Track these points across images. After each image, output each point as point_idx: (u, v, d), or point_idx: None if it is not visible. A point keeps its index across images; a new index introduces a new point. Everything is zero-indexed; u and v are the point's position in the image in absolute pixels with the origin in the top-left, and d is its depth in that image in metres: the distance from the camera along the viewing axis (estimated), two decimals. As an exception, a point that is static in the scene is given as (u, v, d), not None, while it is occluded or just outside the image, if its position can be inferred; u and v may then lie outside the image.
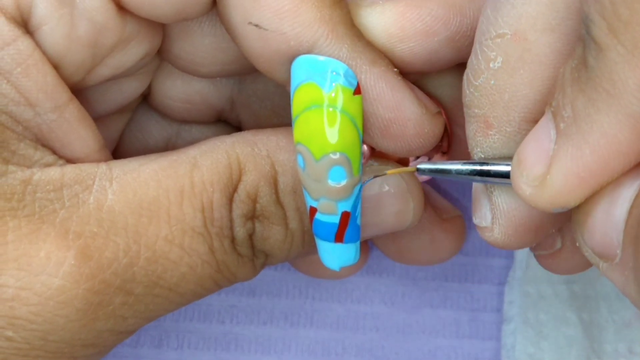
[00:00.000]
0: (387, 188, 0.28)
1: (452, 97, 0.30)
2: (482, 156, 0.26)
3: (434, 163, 0.27)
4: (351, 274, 0.35)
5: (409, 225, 0.29)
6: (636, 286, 0.22)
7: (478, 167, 0.25)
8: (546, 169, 0.22)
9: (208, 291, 0.28)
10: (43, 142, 0.27)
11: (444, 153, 0.30)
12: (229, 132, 0.29)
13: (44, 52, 0.26)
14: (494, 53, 0.24)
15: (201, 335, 0.36)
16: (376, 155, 0.28)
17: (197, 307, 0.36)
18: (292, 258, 0.29)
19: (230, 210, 0.27)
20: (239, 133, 0.28)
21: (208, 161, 0.27)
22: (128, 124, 0.33)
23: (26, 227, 0.25)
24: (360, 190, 0.27)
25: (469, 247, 0.36)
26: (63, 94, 0.27)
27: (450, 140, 0.30)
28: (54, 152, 0.27)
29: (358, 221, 0.27)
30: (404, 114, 0.27)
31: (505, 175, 0.25)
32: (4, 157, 0.26)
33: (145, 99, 0.33)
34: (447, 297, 0.36)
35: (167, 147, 0.33)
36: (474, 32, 0.26)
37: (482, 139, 0.26)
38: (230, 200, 0.27)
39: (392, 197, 0.29)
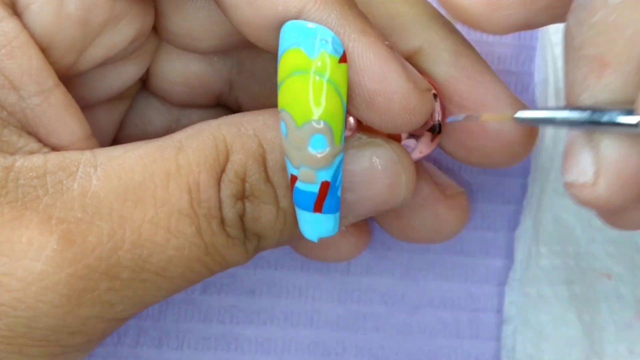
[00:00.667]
0: (377, 161, 0.28)
1: (448, 75, 0.29)
2: (592, 101, 0.25)
3: (536, 110, 0.26)
4: (353, 256, 0.35)
5: (403, 199, 0.29)
6: None
7: (588, 115, 0.24)
8: None
9: (198, 275, 0.28)
10: (28, 129, 0.27)
11: (437, 133, 0.30)
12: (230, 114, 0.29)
13: (33, 33, 0.26)
14: None
15: (201, 336, 0.36)
16: (363, 129, 0.28)
17: (197, 307, 0.36)
18: (286, 240, 0.29)
19: (218, 191, 0.27)
20: (226, 116, 0.28)
21: (194, 143, 0.27)
22: (127, 111, 0.33)
23: (9, 213, 0.25)
24: (341, 161, 0.26)
25: (469, 247, 0.36)
26: (48, 79, 0.27)
27: (444, 119, 0.30)
28: (38, 139, 0.27)
29: (338, 192, 0.27)
30: (390, 87, 0.26)
31: (617, 123, 0.24)
32: None
33: (145, 85, 0.33)
34: (447, 297, 0.36)
35: (167, 134, 0.33)
36: None
37: (594, 80, 0.24)
38: (218, 180, 0.27)
39: (383, 170, 0.28)
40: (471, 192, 0.37)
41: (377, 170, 0.28)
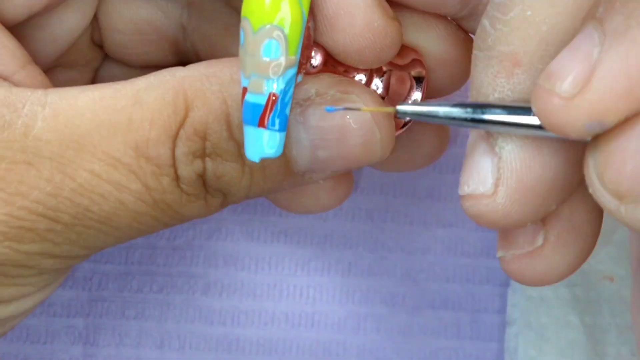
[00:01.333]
0: (349, 119, 0.26)
1: (434, 52, 0.28)
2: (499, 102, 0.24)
3: (417, 104, 0.25)
4: (334, 206, 0.32)
5: (379, 157, 0.27)
6: None
7: (479, 110, 0.23)
8: (589, 72, 0.20)
9: (150, 227, 0.27)
10: None
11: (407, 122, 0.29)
12: None
13: None
14: None
15: (203, 337, 0.36)
16: (330, 69, 0.27)
17: (198, 309, 0.36)
18: (256, 194, 0.28)
19: (172, 148, 0.26)
20: (192, 65, 0.27)
21: (151, 97, 0.26)
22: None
23: None
24: (293, 77, 0.25)
25: (470, 248, 0.36)
26: None
27: (424, 91, 0.29)
28: None
29: (286, 109, 0.25)
30: (353, 0, 0.25)
31: (510, 122, 0.23)
32: None
33: (104, 54, 0.32)
34: (448, 298, 0.36)
35: None
36: None
37: (504, 80, 0.23)
38: (173, 138, 0.26)
39: (356, 128, 0.26)
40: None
41: (349, 128, 0.27)
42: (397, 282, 0.36)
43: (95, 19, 0.31)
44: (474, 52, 0.24)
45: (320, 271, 0.36)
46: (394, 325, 0.36)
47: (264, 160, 0.25)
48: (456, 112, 0.23)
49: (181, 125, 0.26)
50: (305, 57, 0.26)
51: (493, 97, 0.23)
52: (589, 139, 0.21)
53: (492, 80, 0.23)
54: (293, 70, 0.25)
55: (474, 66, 0.24)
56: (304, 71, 0.26)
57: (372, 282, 0.36)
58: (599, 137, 0.20)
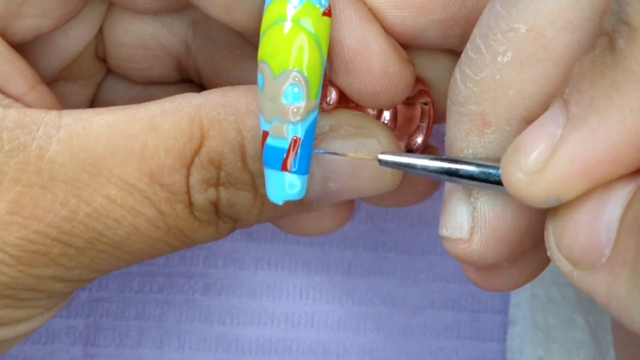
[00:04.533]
0: (362, 153, 0.27)
1: (440, 84, 0.29)
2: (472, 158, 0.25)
3: (399, 155, 0.25)
4: (334, 229, 0.33)
5: (388, 189, 0.28)
6: (630, 281, 0.21)
7: (453, 166, 0.24)
8: (549, 153, 0.21)
9: (161, 252, 0.27)
10: None
11: (422, 135, 0.29)
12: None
13: None
14: (504, 47, 0.23)
15: (202, 336, 0.36)
16: (345, 105, 0.27)
17: (198, 309, 0.36)
18: (264, 221, 0.28)
19: (186, 176, 0.26)
20: (207, 92, 0.27)
21: (167, 124, 0.26)
22: (94, 99, 0.33)
23: None
24: (315, 120, 0.25)
25: (471, 248, 0.36)
26: None
27: (431, 124, 0.29)
28: None
29: (309, 152, 0.26)
30: (370, 46, 0.26)
31: (482, 178, 0.24)
32: None
33: (107, 68, 0.32)
34: (448, 298, 0.36)
35: None
36: (467, 23, 0.26)
37: (476, 138, 0.24)
38: (187, 165, 0.26)
39: (368, 162, 0.27)
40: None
41: (361, 162, 0.27)
42: (397, 282, 0.36)
43: (100, 32, 0.31)
44: (448, 102, 0.25)
45: (320, 271, 0.36)
46: (394, 325, 0.36)
47: None
48: (433, 165, 0.24)
49: (196, 153, 0.26)
50: (322, 96, 0.26)
51: (466, 153, 0.24)
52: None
53: (465, 137, 0.24)
54: (314, 114, 0.25)
55: (448, 117, 0.25)
56: (319, 109, 0.26)
57: (372, 282, 0.36)
58: (559, 206, 0.22)
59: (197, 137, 0.26)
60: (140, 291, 0.36)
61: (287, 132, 0.25)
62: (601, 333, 0.34)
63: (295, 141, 0.25)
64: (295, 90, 0.25)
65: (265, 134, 0.25)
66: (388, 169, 0.27)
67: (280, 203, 0.26)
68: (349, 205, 0.32)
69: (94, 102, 0.33)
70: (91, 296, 0.36)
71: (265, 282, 0.36)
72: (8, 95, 0.27)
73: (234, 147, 0.26)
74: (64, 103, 0.30)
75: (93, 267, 0.26)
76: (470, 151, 0.25)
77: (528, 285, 0.35)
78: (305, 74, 0.24)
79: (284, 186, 0.25)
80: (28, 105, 0.27)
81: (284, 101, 0.25)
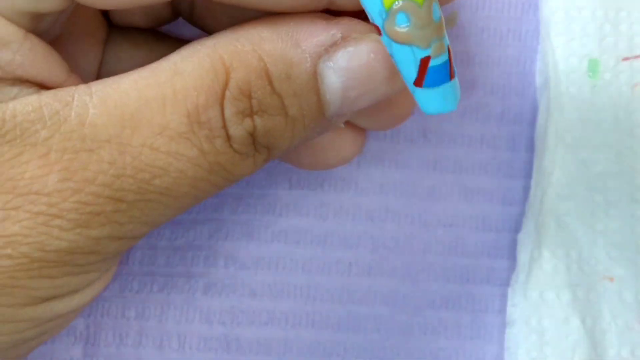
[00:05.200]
0: (373, 56, 0.28)
1: None
2: None
3: None
4: (354, 155, 0.34)
5: (399, 88, 0.29)
6: None
7: None
8: None
9: (205, 192, 0.28)
10: (26, 79, 0.27)
11: None
12: None
13: None
14: None
15: (202, 337, 0.36)
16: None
17: (198, 309, 0.36)
18: (294, 146, 0.29)
19: (221, 111, 0.27)
20: (218, 34, 0.28)
21: (189, 66, 0.27)
22: (101, 65, 0.33)
23: (9, 152, 0.26)
24: None
25: (471, 248, 0.36)
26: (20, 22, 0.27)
27: None
28: (33, 85, 0.28)
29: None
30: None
31: None
32: None
33: (110, 30, 0.33)
34: (448, 298, 0.36)
35: None
36: None
37: None
38: (220, 100, 0.27)
39: (380, 63, 0.28)
40: (473, 193, 0.36)
41: (375, 64, 0.28)
42: (397, 282, 0.36)
43: None
44: None
45: (321, 271, 0.36)
46: (394, 325, 0.36)
47: (303, 110, 0.28)
48: None
49: (225, 87, 0.27)
50: None
51: None
52: None
53: None
54: None
55: None
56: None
57: (372, 282, 0.36)
58: None
59: (222, 71, 0.27)
60: (140, 291, 0.36)
61: (445, 45, 0.27)
62: (599, 334, 0.34)
63: (449, 49, 0.27)
64: (436, 6, 0.26)
65: (426, 60, 0.27)
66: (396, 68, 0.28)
67: (455, 108, 0.28)
68: (361, 131, 0.34)
69: (102, 65, 0.33)
70: (91, 296, 0.36)
71: (265, 282, 0.36)
72: (49, 86, 0.28)
73: (259, 73, 0.27)
74: (75, 66, 0.31)
75: (144, 219, 0.27)
76: None
77: (523, 286, 0.35)
78: None
79: (456, 91, 0.28)
80: None
81: (435, 20, 0.26)
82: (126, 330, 0.36)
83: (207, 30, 0.33)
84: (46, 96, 0.27)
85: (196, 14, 0.33)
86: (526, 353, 0.34)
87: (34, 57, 0.27)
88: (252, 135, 0.28)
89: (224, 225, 0.36)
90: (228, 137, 0.27)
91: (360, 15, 0.28)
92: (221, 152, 0.27)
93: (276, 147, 0.28)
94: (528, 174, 0.36)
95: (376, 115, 0.33)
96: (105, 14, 0.33)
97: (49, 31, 0.30)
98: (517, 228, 0.36)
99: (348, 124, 0.33)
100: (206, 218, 0.36)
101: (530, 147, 0.36)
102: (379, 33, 0.27)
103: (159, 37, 0.34)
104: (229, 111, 0.27)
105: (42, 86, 0.28)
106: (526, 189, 0.36)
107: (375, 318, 0.36)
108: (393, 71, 0.28)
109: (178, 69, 0.27)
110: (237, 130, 0.27)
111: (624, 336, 0.34)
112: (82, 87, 0.27)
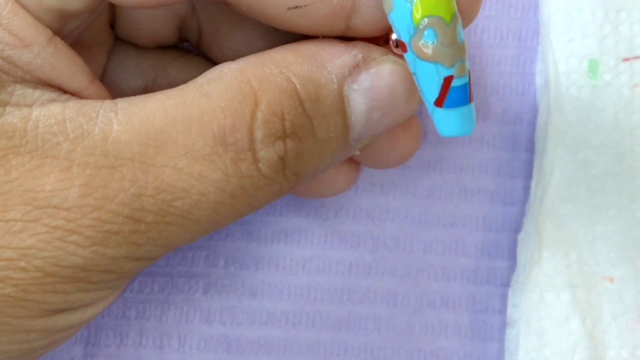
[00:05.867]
0: (395, 76, 0.28)
1: None
2: None
3: None
4: (346, 188, 0.35)
5: (415, 109, 0.29)
6: None
7: None
8: None
9: (226, 218, 0.28)
10: (43, 82, 0.27)
11: None
12: (206, 68, 0.29)
13: None
14: None
15: (203, 337, 0.36)
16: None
17: (198, 309, 0.36)
18: (320, 172, 0.29)
19: (250, 132, 0.27)
20: (243, 58, 0.28)
21: (217, 89, 0.27)
22: (105, 70, 0.33)
23: (30, 163, 0.26)
24: None
25: (471, 248, 0.36)
26: (46, 26, 0.27)
27: None
28: (55, 89, 0.27)
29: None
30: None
31: None
32: (2, 99, 0.26)
33: (115, 34, 0.33)
34: (449, 298, 0.36)
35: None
36: None
37: None
38: (250, 122, 0.27)
39: (401, 83, 0.28)
40: (473, 193, 0.36)
41: (397, 84, 0.28)
42: (397, 282, 0.36)
43: None
44: None
45: (321, 271, 0.36)
46: (394, 325, 0.36)
47: (331, 133, 0.28)
48: None
49: (255, 109, 0.27)
50: None
51: None
52: None
53: None
54: None
55: None
56: None
57: (373, 282, 0.36)
58: None
59: (250, 94, 0.27)
60: (141, 291, 0.36)
61: (467, 67, 0.27)
62: (599, 335, 0.34)
63: (469, 72, 0.27)
64: (460, 27, 0.27)
65: (449, 79, 0.27)
66: (415, 87, 0.28)
67: (471, 132, 0.28)
68: (356, 165, 0.34)
69: (105, 70, 0.33)
70: (92, 296, 0.36)
71: (265, 282, 0.36)
72: (70, 91, 0.28)
73: (290, 94, 0.27)
74: None
75: (162, 242, 0.27)
76: None
77: (523, 287, 0.35)
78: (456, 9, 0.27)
79: (472, 115, 0.28)
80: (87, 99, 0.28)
81: (459, 40, 0.27)
82: (126, 330, 0.36)
83: (211, 57, 0.33)
84: (70, 110, 0.26)
85: (202, 41, 0.33)
86: (526, 354, 0.34)
87: (56, 61, 0.27)
88: (283, 160, 0.27)
89: (224, 225, 0.36)
90: (255, 160, 0.27)
91: (372, 42, 0.29)
92: (246, 175, 0.27)
93: (304, 172, 0.28)
94: (528, 174, 0.36)
95: (382, 152, 0.33)
96: (112, 27, 0.33)
97: (72, 34, 0.30)
98: (517, 228, 0.36)
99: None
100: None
101: (531, 148, 0.36)
102: (398, 53, 0.28)
103: (165, 47, 0.34)
104: (260, 133, 0.27)
105: (63, 91, 0.27)
106: (526, 189, 0.36)
107: (375, 318, 0.36)
108: (412, 91, 0.28)
109: (205, 91, 0.27)
110: (268, 153, 0.27)
111: (624, 337, 0.34)
112: (108, 103, 0.27)
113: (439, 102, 0.27)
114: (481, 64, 0.37)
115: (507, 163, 0.37)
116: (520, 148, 0.36)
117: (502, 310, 0.36)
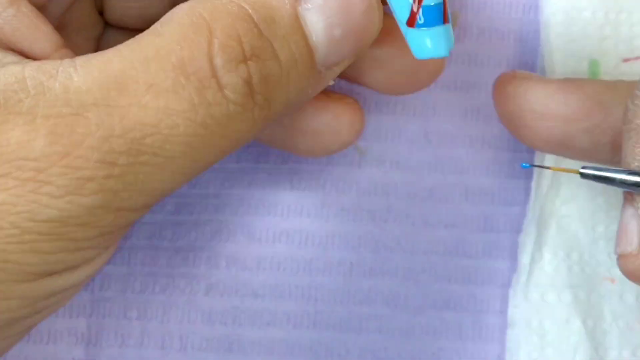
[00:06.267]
0: None
1: None
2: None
3: (599, 169, 0.28)
4: (352, 140, 0.34)
5: (377, 28, 0.29)
6: None
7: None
8: None
9: (203, 154, 0.27)
10: (6, 45, 0.27)
11: None
12: None
13: None
14: None
15: (204, 337, 0.36)
16: None
17: (200, 309, 0.36)
18: (293, 102, 0.29)
19: (209, 60, 0.26)
20: None
21: (170, 27, 0.27)
22: None
23: None
24: None
25: (473, 249, 0.36)
26: None
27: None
28: (19, 54, 0.27)
29: None
30: None
31: None
32: None
33: (105, 27, 0.33)
34: (450, 299, 0.36)
35: None
36: (613, 131, 0.29)
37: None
38: (208, 49, 0.26)
39: None
40: (474, 194, 0.37)
41: None
42: (398, 282, 0.36)
43: None
44: (623, 126, 0.28)
45: (322, 272, 0.36)
46: (395, 325, 0.36)
47: (294, 54, 0.27)
48: (630, 179, 0.27)
49: (210, 37, 0.26)
50: None
51: (634, 165, 0.27)
52: None
53: (631, 149, 0.27)
54: None
55: (622, 138, 0.28)
56: None
57: (374, 282, 0.36)
58: None
59: (203, 25, 0.27)
60: (142, 292, 0.36)
61: None
62: (600, 335, 0.34)
63: None
64: None
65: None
66: (373, 3, 0.28)
67: (448, 54, 0.27)
68: (359, 110, 0.34)
69: None
70: (93, 297, 0.36)
71: (267, 283, 0.36)
72: (32, 57, 0.28)
73: (243, 17, 0.27)
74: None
75: (139, 186, 0.27)
76: (636, 164, 0.27)
77: (524, 287, 0.35)
78: None
79: (449, 36, 0.28)
80: None
81: None
82: (128, 331, 0.36)
83: None
84: (30, 68, 0.26)
85: None
86: (527, 354, 0.34)
87: (17, 23, 0.27)
88: (248, 83, 0.27)
89: (225, 226, 0.36)
90: (220, 87, 0.27)
91: None
92: (214, 104, 0.27)
93: (274, 98, 0.28)
94: (529, 175, 0.36)
95: (396, 69, 0.33)
96: (101, 12, 0.33)
97: (54, 13, 0.30)
98: (518, 229, 0.36)
99: (347, 102, 0.33)
100: (208, 219, 0.36)
101: (532, 148, 0.36)
102: None
103: None
104: (219, 59, 0.26)
105: (26, 56, 0.28)
106: (527, 190, 0.36)
107: (377, 318, 0.36)
108: (371, 5, 0.28)
109: (159, 32, 0.27)
110: (232, 77, 0.27)
111: (625, 337, 0.34)
112: (67, 61, 0.27)
113: (410, 22, 0.27)
114: (482, 65, 0.37)
115: (508, 164, 0.37)
116: (522, 148, 0.36)
117: (503, 311, 0.36)
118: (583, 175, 0.28)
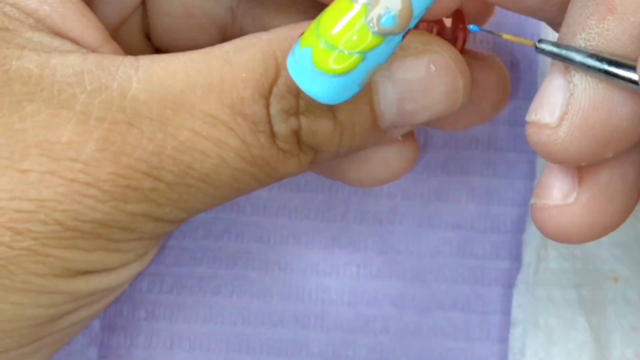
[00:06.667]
0: (433, 69, 0.27)
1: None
2: (584, 44, 0.24)
3: (558, 45, 0.25)
4: (404, 172, 0.33)
5: (461, 105, 0.28)
6: None
7: (613, 69, 0.24)
8: None
9: (247, 185, 0.28)
10: (59, 33, 0.27)
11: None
12: None
13: None
14: None
15: (213, 337, 0.36)
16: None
17: (209, 310, 0.36)
18: (344, 152, 0.29)
19: (266, 106, 0.27)
20: (275, 30, 0.28)
21: (242, 58, 0.27)
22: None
23: (45, 112, 0.25)
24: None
25: (479, 250, 0.36)
26: None
27: (464, 37, 0.30)
28: (73, 42, 0.27)
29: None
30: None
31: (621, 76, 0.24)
32: (18, 42, 0.26)
33: (149, 41, 0.33)
34: (457, 299, 0.36)
35: None
36: None
37: (594, 23, 0.24)
38: (266, 96, 0.27)
39: (440, 77, 0.28)
40: (478, 194, 0.37)
41: (434, 77, 0.28)
42: (405, 283, 0.36)
43: (143, 4, 0.32)
44: None
45: (329, 273, 0.36)
46: (403, 326, 0.36)
47: (354, 117, 0.27)
48: (591, 63, 0.24)
49: (273, 83, 0.27)
50: None
51: (579, 37, 0.25)
52: None
53: (584, 20, 0.24)
54: None
55: (571, 4, 0.25)
56: None
57: (381, 283, 0.36)
58: None
59: (272, 67, 0.27)
60: (150, 292, 0.36)
61: None
62: (604, 334, 0.34)
63: None
64: None
65: None
66: (459, 83, 0.28)
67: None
68: (414, 143, 0.33)
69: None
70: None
71: (275, 284, 0.36)
72: (84, 46, 0.27)
73: None
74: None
75: (182, 205, 0.27)
76: (583, 35, 0.25)
77: (530, 286, 0.35)
78: None
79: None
80: None
81: None
82: (137, 331, 0.36)
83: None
84: (90, 62, 0.26)
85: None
86: (534, 353, 0.34)
87: (65, 11, 0.27)
88: (297, 135, 0.27)
89: (233, 226, 0.36)
90: (272, 134, 0.27)
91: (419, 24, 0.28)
92: (265, 147, 0.27)
93: (323, 150, 0.28)
94: (534, 175, 0.36)
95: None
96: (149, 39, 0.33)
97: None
98: (522, 229, 0.36)
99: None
100: (215, 219, 0.36)
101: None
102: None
103: None
104: (274, 108, 0.27)
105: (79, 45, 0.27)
106: (530, 189, 0.36)
107: (384, 319, 0.36)
108: (455, 85, 0.28)
109: (230, 59, 0.27)
110: (281, 127, 0.27)
111: (628, 337, 0.34)
112: (129, 59, 0.27)
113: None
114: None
115: (514, 164, 0.37)
116: (526, 149, 0.37)
117: (510, 312, 0.36)
118: (538, 49, 0.25)
